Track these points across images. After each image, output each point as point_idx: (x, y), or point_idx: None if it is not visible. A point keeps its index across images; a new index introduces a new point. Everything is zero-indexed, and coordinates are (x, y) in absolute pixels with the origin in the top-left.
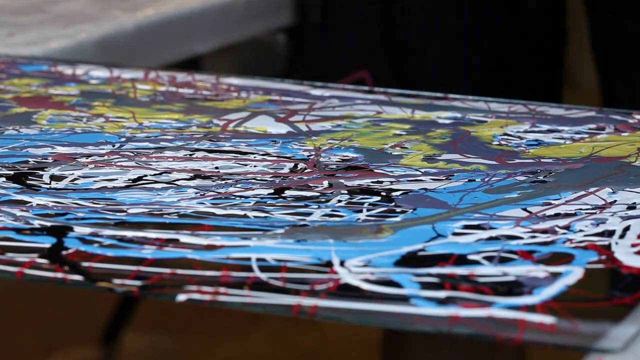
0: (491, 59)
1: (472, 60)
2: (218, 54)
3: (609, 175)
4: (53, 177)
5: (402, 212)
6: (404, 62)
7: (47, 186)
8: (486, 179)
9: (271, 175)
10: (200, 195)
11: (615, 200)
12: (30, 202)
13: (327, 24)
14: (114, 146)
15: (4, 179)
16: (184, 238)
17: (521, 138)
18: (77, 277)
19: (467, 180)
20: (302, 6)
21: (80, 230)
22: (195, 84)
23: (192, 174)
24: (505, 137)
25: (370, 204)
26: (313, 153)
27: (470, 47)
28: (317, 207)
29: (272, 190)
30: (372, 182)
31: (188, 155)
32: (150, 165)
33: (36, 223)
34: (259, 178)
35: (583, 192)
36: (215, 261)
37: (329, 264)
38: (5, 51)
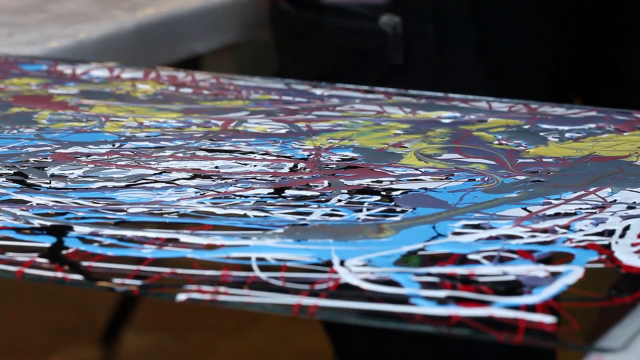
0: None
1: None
2: (218, 54)
3: (609, 175)
4: (53, 176)
5: (402, 211)
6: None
7: (47, 185)
8: (486, 179)
9: (271, 175)
10: (200, 194)
11: (615, 200)
12: (30, 202)
13: None
14: (113, 145)
15: (4, 179)
16: (184, 237)
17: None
18: (77, 277)
19: (467, 179)
20: None
21: (80, 229)
22: (196, 84)
23: (192, 174)
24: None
25: (370, 204)
26: (313, 153)
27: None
28: (317, 206)
29: (272, 190)
30: (372, 182)
31: (188, 155)
32: (150, 164)
33: (36, 222)
34: (259, 178)
35: (583, 192)
36: (215, 260)
37: (329, 264)
38: (6, 51)
